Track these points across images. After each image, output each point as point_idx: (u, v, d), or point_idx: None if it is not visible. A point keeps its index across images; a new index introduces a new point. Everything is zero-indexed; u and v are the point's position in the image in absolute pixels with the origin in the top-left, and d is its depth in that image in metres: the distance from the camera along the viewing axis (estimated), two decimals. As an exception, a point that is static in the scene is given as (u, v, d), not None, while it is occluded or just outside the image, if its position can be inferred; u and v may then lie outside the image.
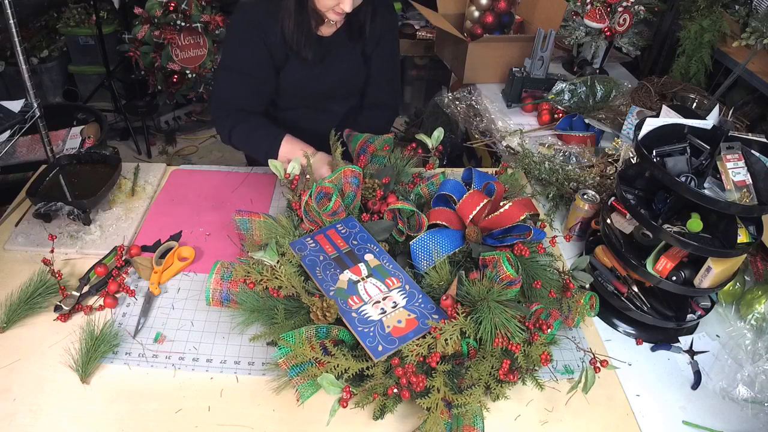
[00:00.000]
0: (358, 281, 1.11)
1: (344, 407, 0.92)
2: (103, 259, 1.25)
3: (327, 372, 0.96)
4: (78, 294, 1.16)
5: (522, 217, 1.15)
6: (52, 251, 1.24)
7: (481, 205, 1.15)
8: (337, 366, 0.97)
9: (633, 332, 1.20)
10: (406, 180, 1.37)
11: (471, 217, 1.16)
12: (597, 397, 1.06)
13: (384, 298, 1.07)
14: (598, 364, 0.99)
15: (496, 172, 1.44)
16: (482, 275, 1.08)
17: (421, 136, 1.41)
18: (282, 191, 1.53)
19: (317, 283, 1.10)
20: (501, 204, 1.19)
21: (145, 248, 1.31)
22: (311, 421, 1.00)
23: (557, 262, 1.23)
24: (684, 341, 1.18)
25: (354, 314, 1.04)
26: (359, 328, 1.01)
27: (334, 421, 0.97)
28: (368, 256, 1.16)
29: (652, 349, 1.17)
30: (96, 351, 1.05)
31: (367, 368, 0.98)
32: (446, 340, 0.97)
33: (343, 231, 1.21)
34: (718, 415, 1.05)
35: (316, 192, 1.19)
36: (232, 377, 1.06)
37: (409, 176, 1.38)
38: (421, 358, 0.98)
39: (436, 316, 1.03)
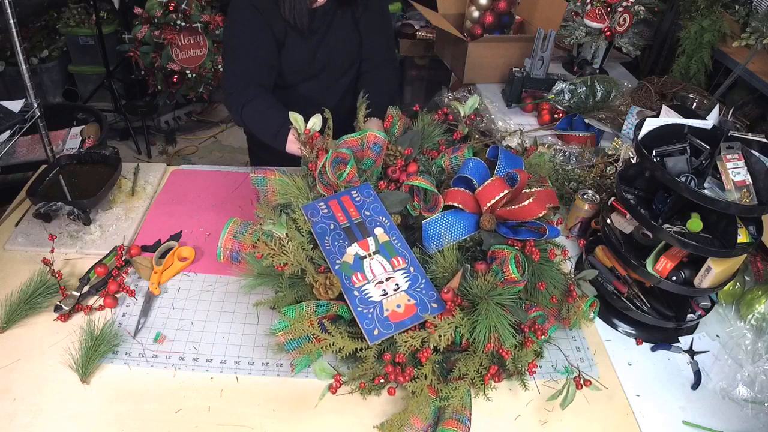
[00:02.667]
0: (365, 257, 1.11)
1: (333, 393, 0.96)
2: (103, 259, 1.25)
3: (322, 348, 0.99)
4: (78, 294, 1.16)
5: (541, 214, 1.12)
6: (52, 251, 1.24)
7: (501, 195, 1.13)
8: (333, 344, 0.99)
9: (633, 332, 1.20)
10: (430, 146, 1.34)
11: (489, 204, 1.14)
12: (597, 397, 1.06)
13: (387, 279, 1.08)
14: (582, 382, 1.01)
15: (524, 152, 1.40)
16: (488, 268, 1.07)
17: (455, 104, 1.38)
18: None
19: (324, 253, 1.10)
20: (524, 192, 1.16)
21: (145, 248, 1.31)
22: (312, 421, 1.00)
23: (563, 263, 1.21)
24: (684, 341, 1.18)
25: (356, 292, 1.05)
26: (359, 308, 1.03)
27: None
28: (378, 230, 1.16)
29: (652, 349, 1.17)
30: (96, 351, 1.05)
31: (361, 349, 1.01)
32: (440, 336, 0.99)
33: (357, 198, 1.20)
34: (718, 415, 1.05)
35: (333, 157, 1.18)
36: (232, 377, 1.06)
37: (434, 142, 1.34)
38: (414, 348, 0.99)
39: (435, 305, 1.04)
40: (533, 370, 1.02)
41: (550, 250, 1.15)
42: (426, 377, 0.97)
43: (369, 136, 1.23)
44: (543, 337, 1.03)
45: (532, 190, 1.17)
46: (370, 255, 1.12)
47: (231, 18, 1.48)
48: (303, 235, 1.12)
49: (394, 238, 1.15)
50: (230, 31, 1.49)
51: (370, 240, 1.14)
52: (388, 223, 1.17)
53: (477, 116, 1.96)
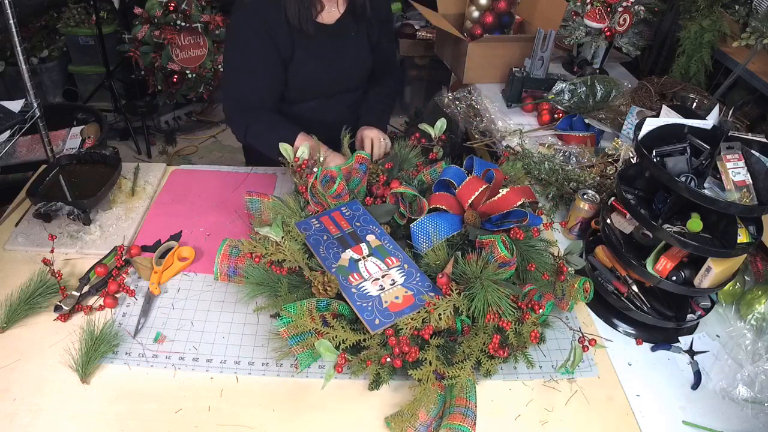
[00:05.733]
0: (359, 260, 1.15)
1: (339, 372, 0.96)
2: (103, 259, 1.25)
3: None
4: (78, 294, 1.16)
5: (519, 203, 1.19)
6: (52, 251, 1.24)
7: (480, 190, 1.19)
8: (335, 337, 1.00)
9: (633, 332, 1.20)
10: (409, 168, 1.41)
11: (470, 201, 1.20)
12: (597, 397, 1.06)
13: (383, 276, 1.11)
14: (587, 343, 1.02)
15: (497, 161, 1.49)
16: (478, 257, 1.11)
17: (425, 126, 1.45)
18: (284, 181, 1.55)
19: (320, 260, 1.14)
20: (500, 190, 1.23)
21: (145, 248, 1.31)
22: (312, 420, 1.00)
23: (552, 247, 1.27)
24: (684, 341, 1.18)
25: (354, 290, 1.08)
26: (358, 303, 1.06)
27: (331, 392, 1.02)
28: (370, 237, 1.20)
29: (652, 349, 1.17)
30: (96, 351, 1.05)
31: (364, 340, 1.02)
32: (440, 315, 1.01)
33: (347, 213, 1.25)
34: (718, 415, 1.05)
35: (322, 175, 1.24)
36: (232, 377, 1.06)
37: (413, 165, 1.42)
38: (416, 332, 1.01)
39: (431, 294, 1.07)
40: (536, 337, 1.04)
41: (533, 228, 1.20)
42: (431, 363, 0.98)
43: (356, 157, 1.30)
44: (542, 311, 1.05)
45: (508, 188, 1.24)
46: (364, 257, 1.15)
47: (234, 33, 1.42)
48: (298, 244, 1.15)
49: (386, 242, 1.19)
50: (233, 50, 1.44)
51: (363, 246, 1.18)
52: (379, 231, 1.22)
53: (477, 116, 1.97)
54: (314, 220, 1.23)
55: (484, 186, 1.20)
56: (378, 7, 1.48)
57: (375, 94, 1.63)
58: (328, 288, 1.05)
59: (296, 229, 1.18)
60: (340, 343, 1.01)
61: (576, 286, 1.11)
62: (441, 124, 1.44)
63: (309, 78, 1.47)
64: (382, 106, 1.62)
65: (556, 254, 1.22)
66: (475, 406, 0.97)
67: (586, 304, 1.25)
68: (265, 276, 1.13)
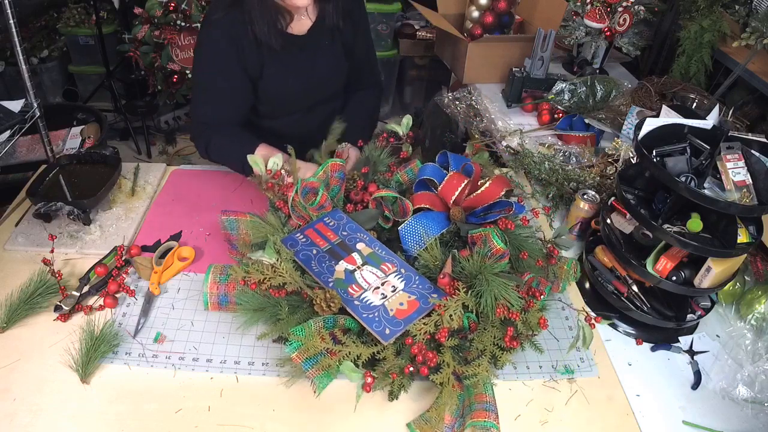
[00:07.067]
0: (355, 270, 1.12)
1: (368, 392, 0.93)
2: (103, 259, 1.25)
3: (340, 360, 0.97)
4: (78, 294, 1.16)
5: (502, 193, 1.20)
6: (52, 251, 1.24)
7: (462, 185, 1.19)
8: (350, 353, 0.98)
9: (633, 332, 1.20)
10: (382, 169, 1.38)
11: (453, 198, 1.19)
12: (597, 397, 1.06)
13: (383, 284, 1.09)
14: (593, 321, 1.02)
15: (466, 154, 1.48)
16: (471, 252, 1.10)
17: (392, 125, 1.42)
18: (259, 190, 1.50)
19: (315, 276, 1.10)
20: (479, 183, 1.23)
21: (145, 248, 1.31)
22: (311, 420, 1.00)
23: (539, 232, 1.27)
24: (684, 341, 1.18)
25: (356, 302, 1.05)
26: (364, 315, 1.03)
27: (332, 392, 1.01)
28: (360, 245, 1.18)
29: (652, 349, 1.17)
30: (96, 351, 1.05)
31: (378, 352, 1.00)
32: (451, 315, 1.00)
33: (331, 223, 1.22)
34: (718, 415, 1.05)
35: (302, 188, 1.20)
36: (232, 377, 1.06)
37: (385, 165, 1.39)
38: (429, 336, 1.00)
39: (435, 295, 1.06)
40: (544, 324, 1.04)
41: (522, 217, 1.21)
42: (449, 365, 0.98)
43: (331, 165, 1.25)
44: (542, 297, 1.05)
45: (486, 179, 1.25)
46: (359, 267, 1.13)
47: (201, 51, 1.37)
48: (289, 262, 1.09)
49: (377, 248, 1.17)
50: (199, 68, 1.40)
51: (355, 255, 1.15)
52: (367, 238, 1.19)
53: (477, 116, 1.97)
54: (299, 234, 1.19)
55: (466, 181, 1.19)
56: (350, 9, 1.43)
57: (358, 110, 1.60)
58: (332, 304, 1.02)
59: (283, 248, 1.12)
60: (355, 359, 0.98)
61: (565, 267, 1.13)
62: (407, 120, 1.41)
63: (284, 92, 1.44)
64: (367, 123, 1.61)
65: (543, 239, 1.22)
66: (494, 399, 0.97)
67: (587, 303, 1.25)
68: (261, 301, 1.06)
